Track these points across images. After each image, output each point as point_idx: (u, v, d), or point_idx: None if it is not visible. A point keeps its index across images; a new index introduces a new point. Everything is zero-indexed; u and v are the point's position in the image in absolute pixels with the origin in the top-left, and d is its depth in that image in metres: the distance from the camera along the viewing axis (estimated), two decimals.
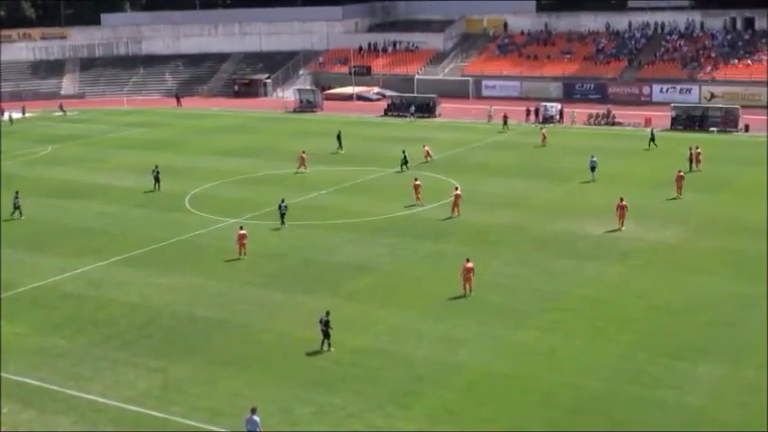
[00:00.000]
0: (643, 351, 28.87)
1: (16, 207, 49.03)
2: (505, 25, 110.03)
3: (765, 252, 38.59)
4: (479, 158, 63.45)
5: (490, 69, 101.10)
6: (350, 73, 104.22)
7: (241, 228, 41.58)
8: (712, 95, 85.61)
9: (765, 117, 73.55)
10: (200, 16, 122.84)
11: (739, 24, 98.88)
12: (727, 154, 62.53)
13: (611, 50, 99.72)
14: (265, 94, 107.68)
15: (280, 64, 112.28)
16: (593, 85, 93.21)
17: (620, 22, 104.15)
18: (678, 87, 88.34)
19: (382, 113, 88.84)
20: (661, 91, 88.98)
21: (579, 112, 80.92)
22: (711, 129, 73.34)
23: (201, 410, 25.70)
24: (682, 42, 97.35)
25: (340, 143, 67.56)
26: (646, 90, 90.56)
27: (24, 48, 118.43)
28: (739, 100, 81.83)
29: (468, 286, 34.39)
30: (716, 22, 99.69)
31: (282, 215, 45.18)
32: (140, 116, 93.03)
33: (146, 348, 30.42)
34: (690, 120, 75.26)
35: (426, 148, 62.34)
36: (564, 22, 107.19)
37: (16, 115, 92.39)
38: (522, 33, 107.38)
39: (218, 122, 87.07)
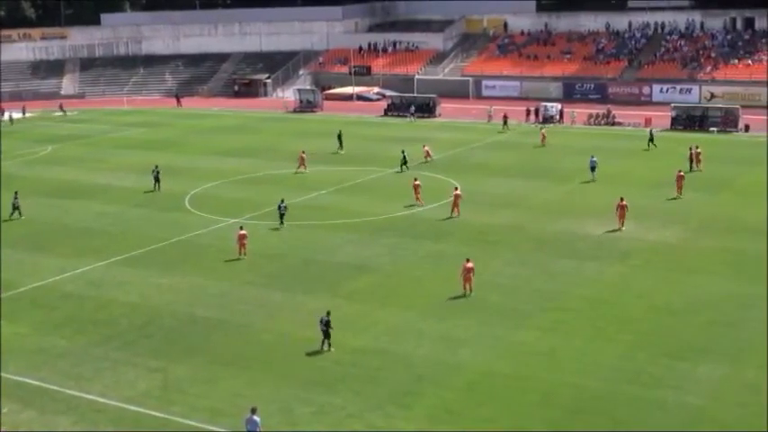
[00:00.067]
0: (643, 351, 28.87)
1: (15, 208, 48.99)
2: (505, 25, 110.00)
3: (765, 252, 38.59)
4: (479, 158, 63.44)
5: (490, 69, 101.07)
6: (350, 73, 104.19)
7: (241, 228, 41.60)
8: (712, 95, 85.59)
9: (765, 117, 73.52)
10: (200, 16, 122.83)
11: (739, 24, 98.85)
12: (727, 154, 62.52)
13: (611, 50, 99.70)
14: (265, 94, 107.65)
15: (280, 64, 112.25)
16: (593, 85, 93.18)
17: (620, 22, 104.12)
18: (678, 87, 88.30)
19: (382, 113, 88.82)
20: (661, 91, 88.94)
21: (579, 112, 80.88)
22: (711, 129, 73.32)
23: (201, 410, 25.70)
24: (682, 42, 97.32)
25: (341, 143, 67.56)
26: (646, 90, 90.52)
27: (24, 48, 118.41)
28: (739, 100, 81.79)
29: (468, 286, 34.40)
30: (716, 22, 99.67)
31: (282, 215, 45.18)
32: (140, 116, 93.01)
33: (146, 348, 30.42)
34: (690, 120, 75.24)
35: (426, 148, 62.34)
36: (564, 22, 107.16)
37: (16, 115, 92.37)
38: (522, 33, 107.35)
39: (218, 122, 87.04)
